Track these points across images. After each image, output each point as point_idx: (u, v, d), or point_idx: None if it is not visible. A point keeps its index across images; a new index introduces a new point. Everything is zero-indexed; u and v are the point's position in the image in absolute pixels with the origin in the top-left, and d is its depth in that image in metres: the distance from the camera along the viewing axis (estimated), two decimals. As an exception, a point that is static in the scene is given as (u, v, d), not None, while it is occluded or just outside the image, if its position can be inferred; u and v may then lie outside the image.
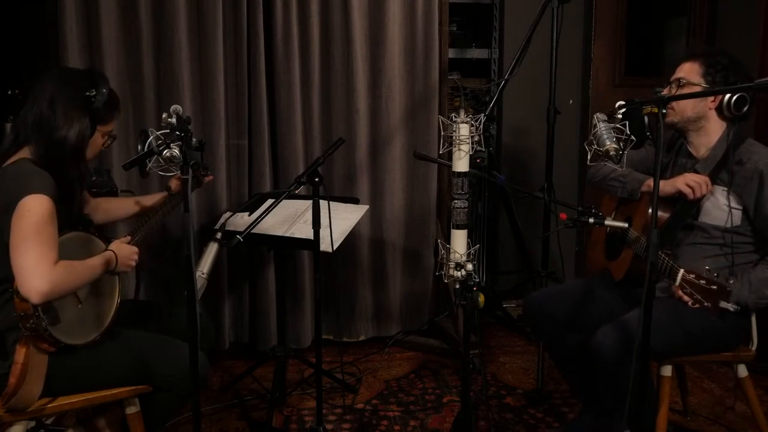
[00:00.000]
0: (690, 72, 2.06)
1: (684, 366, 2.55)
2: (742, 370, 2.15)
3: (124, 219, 2.26)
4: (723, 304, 1.66)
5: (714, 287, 1.67)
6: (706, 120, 2.08)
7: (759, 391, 2.44)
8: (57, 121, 1.77)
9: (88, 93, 1.81)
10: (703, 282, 1.71)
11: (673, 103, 2.07)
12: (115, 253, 1.86)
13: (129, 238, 1.96)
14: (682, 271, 1.78)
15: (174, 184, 2.23)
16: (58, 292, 1.65)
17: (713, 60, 2.04)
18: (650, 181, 2.06)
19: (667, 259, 1.87)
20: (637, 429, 1.75)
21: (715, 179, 2.03)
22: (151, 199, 2.26)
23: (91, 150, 1.90)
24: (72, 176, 1.81)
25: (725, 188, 2.02)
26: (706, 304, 1.69)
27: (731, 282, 1.67)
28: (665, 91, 2.10)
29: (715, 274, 1.70)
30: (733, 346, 2.09)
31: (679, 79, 2.08)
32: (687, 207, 2.05)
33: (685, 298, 1.76)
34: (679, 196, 2.03)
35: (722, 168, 2.04)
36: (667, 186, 2.04)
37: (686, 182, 2.01)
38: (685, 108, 2.07)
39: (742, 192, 2.00)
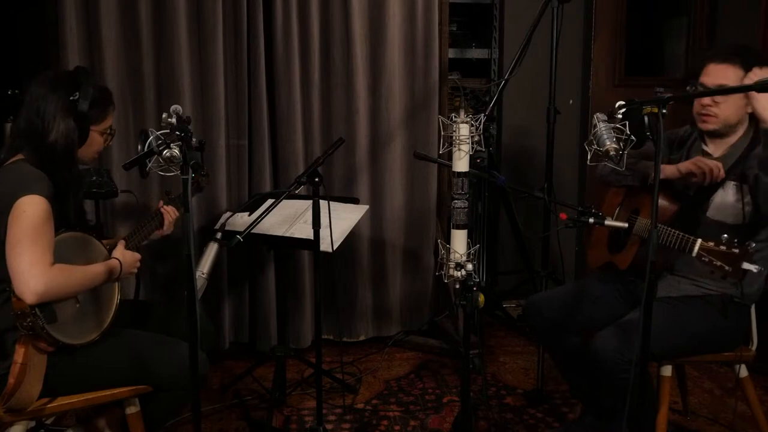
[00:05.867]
0: (731, 76, 1.96)
1: (684, 366, 2.54)
2: (743, 370, 2.14)
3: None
4: (746, 266, 1.65)
5: (735, 250, 1.66)
6: (741, 124, 2.04)
7: (759, 391, 2.44)
8: (45, 129, 1.78)
9: (72, 97, 1.80)
10: (723, 248, 1.69)
11: (718, 111, 2.00)
12: (120, 261, 1.87)
13: (123, 242, 1.96)
14: (699, 241, 1.75)
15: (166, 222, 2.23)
16: (53, 294, 1.65)
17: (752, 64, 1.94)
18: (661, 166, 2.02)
19: (681, 233, 1.85)
20: (637, 429, 1.75)
21: (729, 175, 2.01)
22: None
23: (93, 149, 1.91)
24: (66, 179, 1.81)
25: (737, 183, 2.00)
26: (727, 268, 1.67)
27: (753, 245, 1.65)
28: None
29: (735, 240, 1.69)
30: (733, 346, 2.09)
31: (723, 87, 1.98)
32: (697, 199, 2.03)
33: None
34: (687, 183, 2.00)
35: (739, 165, 2.01)
36: (677, 168, 2.00)
37: (698, 165, 1.97)
38: (730, 115, 2.01)
39: (755, 188, 1.98)
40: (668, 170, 2.02)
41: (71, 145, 1.82)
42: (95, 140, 1.90)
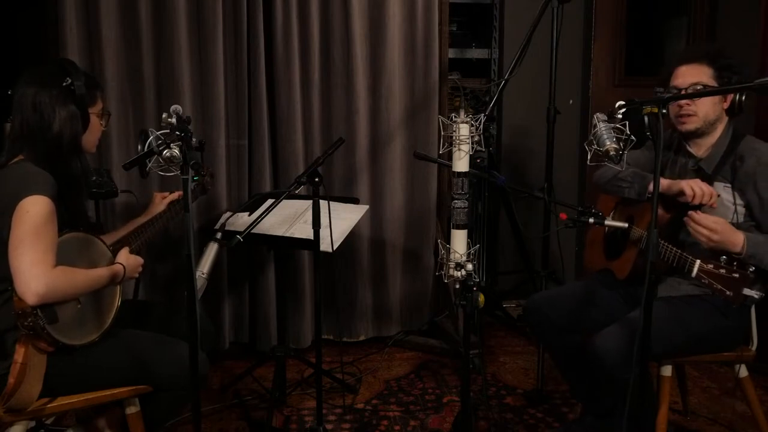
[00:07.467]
0: (701, 75, 2.02)
1: (684, 366, 2.54)
2: (743, 370, 2.14)
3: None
4: (747, 291, 1.64)
5: (736, 275, 1.65)
6: (720, 121, 2.07)
7: (759, 391, 2.44)
8: (46, 121, 1.78)
9: (65, 84, 1.80)
10: (723, 271, 1.68)
11: (696, 109, 2.03)
12: (124, 266, 1.87)
13: (127, 248, 1.96)
14: (698, 262, 1.74)
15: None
16: (54, 296, 1.65)
17: (723, 63, 2.01)
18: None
19: (678, 251, 1.85)
20: (637, 429, 1.74)
21: (716, 176, 2.02)
22: (153, 211, 2.25)
23: (93, 134, 1.92)
24: (75, 172, 1.82)
25: (727, 184, 2.01)
26: (728, 293, 1.66)
27: (752, 270, 1.65)
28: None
29: (734, 263, 1.69)
30: (733, 345, 2.09)
31: (701, 85, 2.01)
32: (689, 204, 2.04)
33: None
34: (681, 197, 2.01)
35: (724, 165, 2.03)
36: (673, 185, 2.01)
37: (691, 185, 1.96)
38: (708, 112, 2.04)
39: (745, 188, 1.99)
40: (664, 185, 2.01)
41: (76, 131, 1.82)
42: (94, 124, 1.90)
